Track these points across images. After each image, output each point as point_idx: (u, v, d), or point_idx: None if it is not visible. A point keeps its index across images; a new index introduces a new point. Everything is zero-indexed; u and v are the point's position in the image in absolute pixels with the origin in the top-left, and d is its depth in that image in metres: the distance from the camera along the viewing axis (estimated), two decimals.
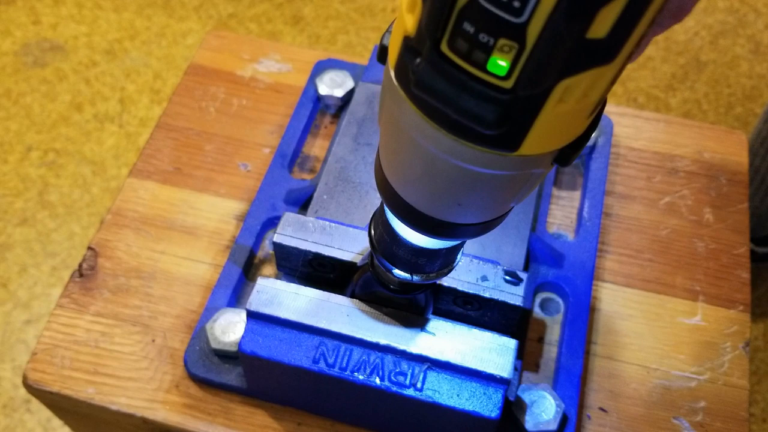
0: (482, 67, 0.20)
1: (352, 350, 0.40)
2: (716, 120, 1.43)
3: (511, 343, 0.39)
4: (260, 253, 0.51)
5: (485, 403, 0.38)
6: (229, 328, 0.45)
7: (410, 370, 0.39)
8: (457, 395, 0.38)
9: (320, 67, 0.59)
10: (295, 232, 0.45)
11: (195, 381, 0.46)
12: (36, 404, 1.09)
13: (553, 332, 0.48)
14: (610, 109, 0.60)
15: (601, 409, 0.46)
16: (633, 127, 0.60)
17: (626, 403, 0.46)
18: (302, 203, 0.52)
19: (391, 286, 0.39)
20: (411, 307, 0.41)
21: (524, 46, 0.19)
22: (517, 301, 0.42)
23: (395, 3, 1.62)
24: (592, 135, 0.25)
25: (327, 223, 0.45)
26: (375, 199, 0.49)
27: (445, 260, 0.35)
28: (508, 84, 0.20)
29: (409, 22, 0.22)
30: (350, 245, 0.44)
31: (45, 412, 1.08)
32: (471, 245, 0.46)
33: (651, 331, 0.49)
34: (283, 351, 0.40)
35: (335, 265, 0.45)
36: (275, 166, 0.54)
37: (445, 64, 0.21)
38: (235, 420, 0.45)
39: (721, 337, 0.49)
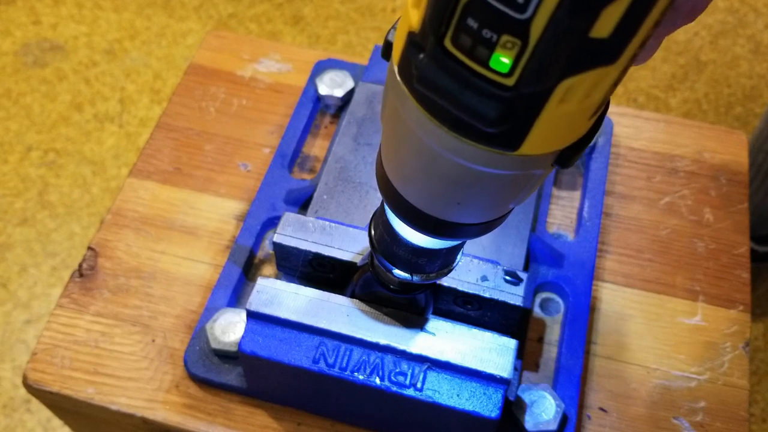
0: (485, 64, 0.20)
1: (352, 350, 0.40)
2: (716, 120, 1.43)
3: (511, 343, 0.39)
4: (260, 253, 0.51)
5: (485, 403, 0.38)
6: (229, 328, 0.45)
7: (410, 370, 0.39)
8: (457, 395, 0.38)
9: (320, 67, 0.59)
10: (295, 232, 0.45)
11: (195, 381, 0.46)
12: (36, 404, 1.09)
13: (553, 332, 0.48)
14: (610, 109, 0.60)
15: (601, 409, 0.46)
16: (633, 127, 0.60)
17: (626, 403, 0.46)
18: (302, 203, 0.52)
19: (391, 286, 0.39)
20: (411, 307, 0.41)
21: (527, 43, 0.19)
22: (517, 301, 0.42)
23: (395, 3, 1.62)
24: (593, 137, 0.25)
25: (327, 223, 0.45)
26: (375, 199, 0.49)
27: (445, 260, 0.35)
28: (510, 81, 0.20)
29: (414, 17, 0.22)
30: (350, 245, 0.44)
31: (45, 412, 1.08)
32: (471, 245, 0.46)
33: (651, 331, 0.49)
34: (283, 351, 0.40)
35: (335, 265, 0.45)
36: (275, 166, 0.54)
37: (448, 59, 0.21)
38: (235, 420, 0.45)
39: (721, 337, 0.49)
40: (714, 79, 1.50)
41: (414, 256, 0.34)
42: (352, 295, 0.41)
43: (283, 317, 0.40)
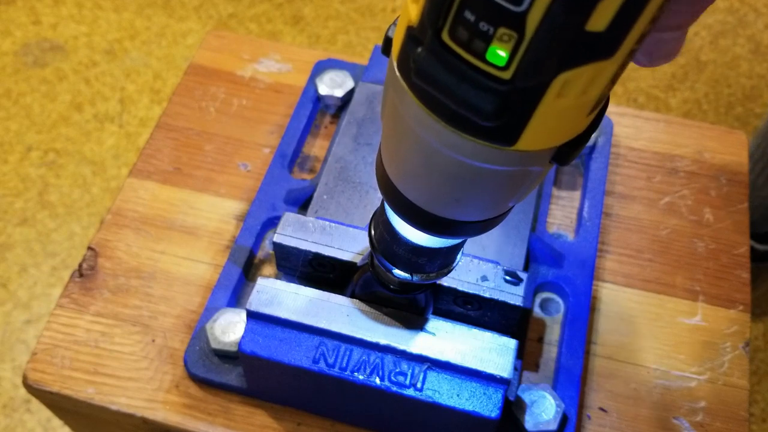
0: (481, 57, 0.20)
1: (352, 350, 0.40)
2: (716, 120, 1.43)
3: (511, 343, 0.39)
4: (260, 253, 0.51)
5: (485, 403, 0.38)
6: (229, 328, 0.45)
7: (410, 370, 0.39)
8: (457, 395, 0.38)
9: (320, 67, 0.59)
10: (295, 232, 0.45)
11: (195, 381, 0.46)
12: (36, 404, 1.09)
13: (553, 332, 0.48)
14: (610, 108, 0.60)
15: (601, 409, 0.46)
16: (633, 127, 0.60)
17: (626, 403, 0.46)
18: (302, 203, 0.52)
19: (391, 286, 0.39)
20: (411, 307, 0.41)
21: (523, 35, 0.19)
22: (517, 301, 0.42)
23: (395, 3, 1.62)
24: (592, 135, 0.25)
25: (327, 223, 0.45)
26: (375, 199, 0.49)
27: (445, 260, 0.35)
28: (506, 75, 0.20)
29: (412, 11, 0.22)
30: (350, 245, 0.44)
31: (45, 412, 1.08)
32: (471, 245, 0.46)
33: (651, 331, 0.49)
34: (283, 351, 0.40)
35: (335, 265, 0.45)
36: (275, 166, 0.54)
37: (446, 53, 0.21)
38: (235, 420, 0.45)
39: (721, 337, 0.49)
40: (714, 79, 1.50)
41: (414, 256, 0.34)
42: (352, 295, 0.41)
43: (283, 317, 0.40)
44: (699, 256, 0.53)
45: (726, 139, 0.59)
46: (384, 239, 0.34)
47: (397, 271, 0.35)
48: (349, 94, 0.57)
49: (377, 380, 0.39)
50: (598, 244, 0.51)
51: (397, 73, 0.24)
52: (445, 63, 0.21)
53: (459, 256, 0.36)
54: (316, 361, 0.39)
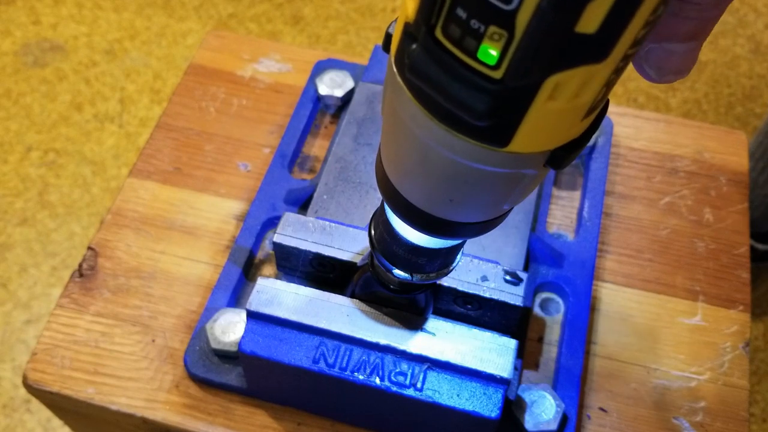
0: (473, 55, 0.20)
1: (352, 350, 0.40)
2: (716, 120, 1.43)
3: (511, 343, 0.39)
4: (260, 253, 0.51)
5: (485, 403, 0.38)
6: (229, 328, 0.45)
7: (410, 370, 0.39)
8: (457, 395, 0.38)
9: (320, 67, 0.59)
10: (295, 232, 0.45)
11: (195, 381, 0.46)
12: (36, 404, 1.09)
13: (553, 332, 0.48)
14: (610, 109, 0.60)
15: (601, 409, 0.46)
16: (633, 127, 0.60)
17: (626, 403, 0.46)
18: (302, 203, 0.52)
19: (391, 286, 0.39)
20: (411, 307, 0.41)
21: (513, 35, 0.19)
22: (517, 301, 0.42)
23: (395, 3, 1.62)
24: (588, 141, 0.25)
25: (327, 223, 0.45)
26: (375, 199, 0.49)
27: (445, 260, 0.35)
28: (497, 74, 0.20)
29: (410, 7, 0.22)
30: (350, 245, 0.44)
31: (45, 412, 1.08)
32: (471, 245, 0.46)
33: (651, 331, 0.49)
34: (283, 351, 0.40)
35: (335, 265, 0.45)
36: (275, 166, 0.54)
37: (438, 50, 0.21)
38: (235, 420, 0.45)
39: (721, 337, 0.49)
40: (714, 79, 1.50)
41: (414, 256, 0.34)
42: (352, 295, 0.41)
43: (283, 317, 0.40)
44: (699, 256, 0.53)
45: (726, 139, 0.59)
46: (384, 239, 0.34)
47: (397, 271, 0.35)
48: (349, 94, 0.57)
49: (377, 380, 0.39)
50: (598, 244, 0.51)
51: (394, 69, 0.24)
52: (437, 60, 0.21)
53: (459, 257, 0.36)
54: (316, 361, 0.39)
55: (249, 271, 0.50)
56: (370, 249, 0.37)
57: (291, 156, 0.55)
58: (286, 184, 0.53)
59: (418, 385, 0.39)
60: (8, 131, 1.38)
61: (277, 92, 0.61)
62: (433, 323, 0.40)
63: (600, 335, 0.49)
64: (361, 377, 0.39)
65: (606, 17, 0.19)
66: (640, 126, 0.60)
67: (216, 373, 0.45)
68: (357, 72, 0.59)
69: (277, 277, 0.46)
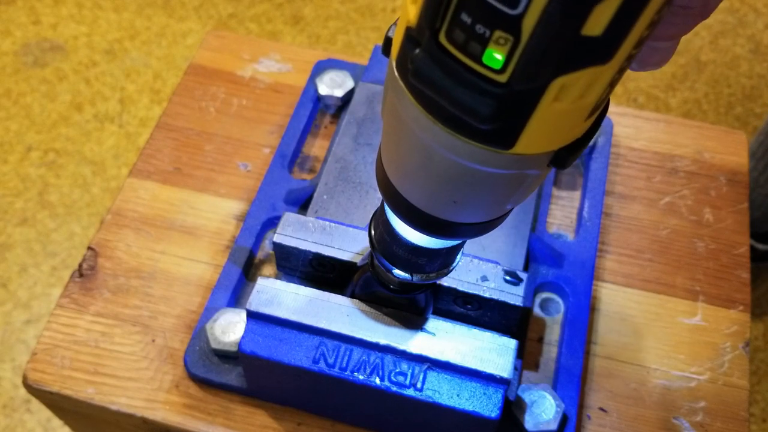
0: (478, 59, 0.20)
1: (352, 350, 0.40)
2: (716, 120, 1.43)
3: (511, 343, 0.39)
4: (260, 253, 0.51)
5: (485, 403, 0.38)
6: (229, 328, 0.45)
7: (410, 370, 0.39)
8: (457, 395, 0.38)
9: (320, 67, 0.59)
10: (295, 232, 0.45)
11: (195, 381, 0.46)
12: (36, 404, 1.09)
13: (553, 332, 0.48)
14: (610, 108, 0.60)
15: (601, 409, 0.46)
16: (633, 127, 0.60)
17: (626, 403, 0.46)
18: (302, 203, 0.52)
19: (391, 286, 0.39)
20: (411, 307, 0.41)
21: (519, 39, 0.19)
22: (517, 301, 0.42)
23: (395, 3, 1.62)
24: (591, 139, 0.25)
25: (327, 223, 0.45)
26: (375, 199, 0.49)
27: (445, 260, 0.35)
28: (503, 78, 0.20)
29: (411, 12, 0.22)
30: (350, 245, 0.44)
31: (45, 412, 1.08)
32: (471, 245, 0.46)
33: (651, 331, 0.49)
34: (283, 351, 0.40)
35: (335, 265, 0.45)
36: (275, 166, 0.54)
37: (443, 54, 0.21)
38: (235, 420, 0.45)
39: (721, 337, 0.49)
40: (714, 79, 1.50)
41: (414, 256, 0.34)
42: (352, 295, 0.41)
43: (283, 317, 0.40)
44: (699, 256, 0.53)
45: (726, 139, 0.59)
46: (384, 239, 0.34)
47: (396, 271, 0.35)
48: (349, 94, 0.57)
49: (377, 380, 0.39)
50: (598, 244, 0.51)
51: (396, 74, 0.24)
52: (441, 65, 0.21)
53: (459, 257, 0.36)
54: (316, 361, 0.39)
55: (249, 271, 0.50)
56: (370, 249, 0.37)
57: (291, 156, 0.55)
58: (286, 184, 0.53)
59: (418, 385, 0.39)
60: (8, 131, 1.38)
61: (277, 92, 0.61)
62: (433, 323, 0.40)
63: (600, 335, 0.49)
64: (361, 377, 0.39)
65: (612, 20, 0.19)
66: (640, 126, 0.60)
67: (216, 373, 0.45)
68: (357, 72, 0.59)
69: (277, 277, 0.46)
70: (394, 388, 0.39)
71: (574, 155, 0.24)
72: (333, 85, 0.57)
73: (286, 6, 1.59)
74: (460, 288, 0.43)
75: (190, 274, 0.50)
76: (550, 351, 0.48)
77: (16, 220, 1.27)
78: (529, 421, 0.42)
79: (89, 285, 0.50)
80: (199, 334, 0.46)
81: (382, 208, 0.33)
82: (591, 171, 0.55)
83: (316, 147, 0.57)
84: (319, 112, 0.59)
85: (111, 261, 0.51)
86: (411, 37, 0.22)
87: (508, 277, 0.43)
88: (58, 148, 1.36)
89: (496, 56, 0.20)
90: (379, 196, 0.31)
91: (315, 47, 1.53)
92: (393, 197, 0.29)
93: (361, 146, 0.51)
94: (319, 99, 0.58)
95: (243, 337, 0.40)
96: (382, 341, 0.39)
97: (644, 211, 0.55)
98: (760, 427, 1.11)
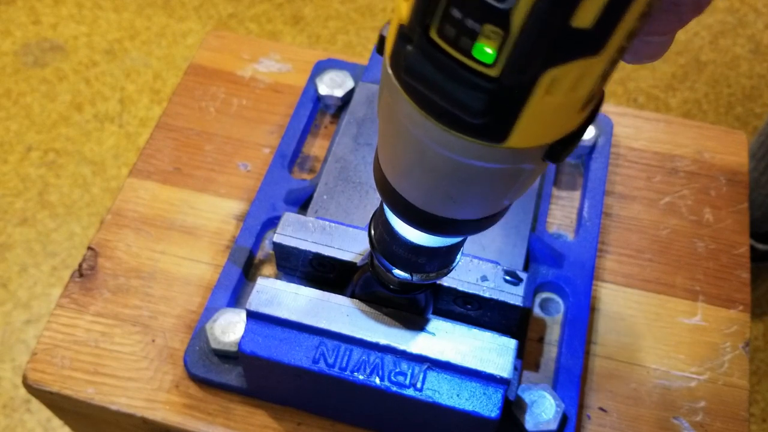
0: (469, 54, 0.20)
1: (352, 350, 0.40)
2: (716, 120, 1.43)
3: (511, 343, 0.39)
4: (260, 253, 0.51)
5: (485, 403, 0.38)
6: (229, 328, 0.45)
7: (410, 370, 0.39)
8: (457, 395, 0.38)
9: (320, 67, 0.59)
10: (295, 232, 0.45)
11: (195, 381, 0.46)
12: (36, 404, 1.09)
13: (553, 332, 0.48)
14: (610, 109, 0.60)
15: (601, 409, 0.46)
16: (633, 127, 0.60)
17: (626, 403, 0.46)
18: (302, 203, 0.52)
19: (391, 286, 0.39)
20: (411, 307, 0.41)
21: (509, 32, 0.19)
22: (517, 301, 0.42)
23: (395, 3, 1.62)
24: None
25: (327, 223, 0.45)
26: (375, 199, 0.49)
27: (445, 260, 0.35)
28: (494, 72, 0.20)
29: (403, 9, 0.22)
30: (350, 245, 0.44)
31: (45, 412, 1.08)
32: (471, 245, 0.46)
33: (651, 331, 0.49)
34: (283, 351, 0.40)
35: (335, 265, 0.45)
36: (275, 166, 0.54)
37: (434, 50, 0.21)
38: (235, 420, 0.45)
39: (721, 337, 0.49)
40: (714, 79, 1.50)
41: (413, 256, 0.34)
42: (352, 295, 0.41)
43: (283, 317, 0.40)
44: (699, 256, 0.53)
45: (726, 139, 0.59)
46: (384, 239, 0.34)
47: (396, 271, 0.35)
48: (349, 94, 0.57)
49: (377, 380, 0.39)
50: (598, 244, 0.51)
51: (390, 71, 0.24)
52: (433, 60, 0.21)
53: (459, 256, 0.36)
54: (316, 361, 0.39)
55: (249, 271, 0.50)
56: (370, 249, 0.37)
57: (291, 156, 0.55)
58: (286, 184, 0.53)
59: (418, 385, 0.39)
60: (8, 131, 1.38)
61: (277, 92, 0.61)
62: (433, 323, 0.40)
63: (600, 335, 0.49)
64: (361, 377, 0.39)
65: (601, 11, 0.19)
66: (640, 126, 0.60)
67: (216, 373, 0.45)
68: (357, 72, 0.59)
69: (277, 277, 0.46)
70: (394, 388, 0.39)
71: (568, 149, 0.24)
72: (333, 85, 0.57)
73: (286, 6, 1.59)
74: (460, 288, 0.43)
75: (190, 274, 0.50)
76: (550, 351, 0.48)
77: (16, 220, 1.27)
78: (529, 421, 0.42)
79: (89, 285, 0.50)
80: (199, 334, 0.46)
81: (381, 207, 0.33)
82: (591, 171, 0.55)
83: (316, 147, 0.57)
84: (319, 112, 0.59)
85: (111, 261, 0.51)
86: (403, 34, 0.22)
87: (508, 277, 0.43)
88: (58, 148, 1.36)
89: (486, 50, 0.20)
90: (379, 196, 0.31)
91: (315, 47, 1.53)
92: (391, 196, 0.29)
93: (361, 146, 0.51)
94: (319, 99, 0.58)
95: (243, 337, 0.40)
96: (382, 341, 0.39)
97: (644, 211, 0.55)
98: (760, 427, 1.11)
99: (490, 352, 0.39)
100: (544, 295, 0.50)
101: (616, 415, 0.46)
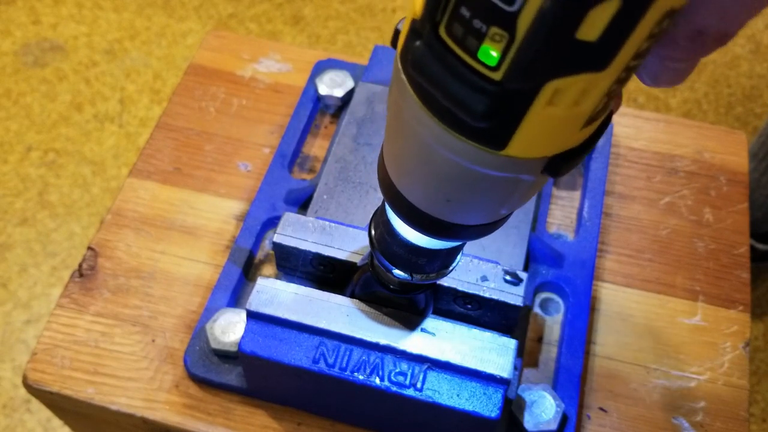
0: (474, 55, 0.20)
1: (352, 350, 0.40)
2: (716, 120, 1.43)
3: (511, 343, 0.39)
4: (260, 253, 0.51)
5: (485, 403, 0.38)
6: (229, 328, 0.45)
7: (410, 370, 0.39)
8: (457, 395, 0.38)
9: (320, 67, 0.59)
10: (295, 232, 0.45)
11: (195, 381, 0.46)
12: (36, 404, 1.09)
13: (553, 332, 0.48)
14: None
15: (601, 409, 0.46)
16: (633, 127, 0.60)
17: (626, 403, 0.46)
18: (302, 203, 0.52)
19: (391, 286, 0.39)
20: (411, 307, 0.41)
21: (514, 37, 0.19)
22: (517, 301, 0.42)
23: (395, 3, 1.62)
24: (588, 151, 0.25)
25: (327, 223, 0.45)
26: (375, 199, 0.49)
27: (445, 261, 0.35)
28: (497, 76, 0.20)
29: (417, 4, 0.22)
30: (350, 245, 0.44)
31: (45, 412, 1.08)
32: (471, 245, 0.46)
33: (651, 331, 0.49)
34: (283, 351, 0.40)
35: (335, 265, 0.45)
36: (275, 166, 0.54)
37: (441, 48, 0.21)
38: (235, 420, 0.45)
39: (721, 337, 0.49)
40: (714, 79, 1.50)
41: (414, 256, 0.34)
42: (352, 295, 0.41)
43: (283, 317, 0.40)
44: (699, 256, 0.53)
45: (726, 139, 0.59)
46: (384, 239, 0.34)
47: (396, 272, 0.35)
48: (349, 94, 0.57)
49: (377, 380, 0.39)
50: (598, 244, 0.51)
51: (399, 65, 0.24)
52: (439, 58, 0.21)
53: (459, 257, 0.36)
54: (316, 361, 0.39)
55: (249, 271, 0.50)
56: (370, 249, 0.37)
57: (291, 156, 0.55)
58: (286, 184, 0.53)
59: (418, 385, 0.39)
60: (8, 131, 1.38)
61: (277, 92, 0.61)
62: (433, 323, 0.40)
63: (600, 335, 0.49)
64: (361, 377, 0.39)
65: (607, 26, 0.19)
66: (640, 126, 0.60)
67: (216, 373, 0.45)
68: (357, 72, 0.59)
69: (277, 277, 0.46)
70: (394, 388, 0.39)
71: (568, 165, 0.24)
72: (333, 85, 0.57)
73: (286, 6, 1.59)
74: (460, 288, 0.43)
75: (190, 274, 0.50)
76: (550, 351, 0.48)
77: (16, 220, 1.27)
78: (529, 421, 0.42)
79: (89, 285, 0.50)
80: (199, 334, 0.46)
81: (382, 207, 0.33)
82: (591, 171, 0.55)
83: (316, 147, 0.57)
84: (319, 112, 0.59)
85: (111, 261, 0.51)
86: (414, 29, 0.22)
87: (508, 277, 0.43)
88: (58, 148, 1.36)
89: (491, 53, 0.20)
90: (380, 195, 0.31)
91: (315, 47, 1.53)
92: (392, 195, 0.29)
93: (361, 146, 0.51)
94: (319, 99, 0.58)
95: (243, 337, 0.40)
96: (382, 341, 0.39)
97: (644, 211, 0.55)
98: (760, 427, 1.11)
99: (490, 352, 0.39)
100: (544, 295, 0.50)
101: (616, 415, 0.46)
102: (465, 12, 0.20)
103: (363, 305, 0.41)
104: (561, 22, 0.19)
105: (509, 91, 0.20)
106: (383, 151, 0.29)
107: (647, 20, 0.19)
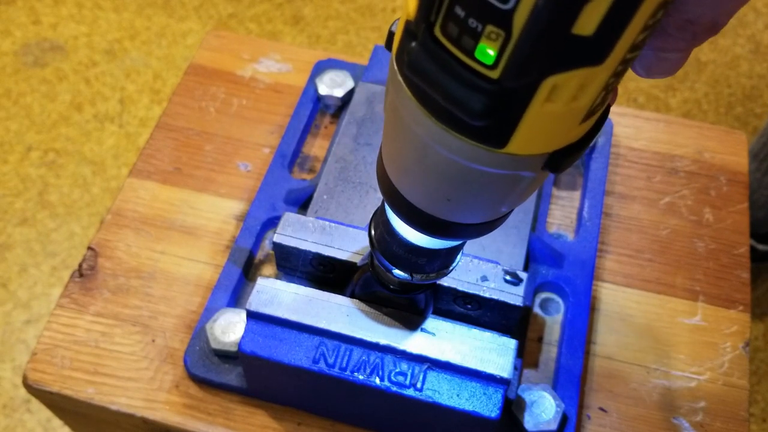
0: (470, 54, 0.20)
1: (352, 350, 0.40)
2: (716, 120, 1.43)
3: (511, 343, 0.39)
4: (260, 253, 0.51)
5: (485, 403, 0.38)
6: (229, 328, 0.45)
7: (410, 370, 0.39)
8: (457, 395, 0.38)
9: (320, 67, 0.59)
10: (295, 232, 0.45)
11: (195, 381, 0.46)
12: (36, 404, 1.09)
13: (553, 332, 0.48)
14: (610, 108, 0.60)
15: (601, 409, 0.46)
16: (633, 127, 0.60)
17: (626, 403, 0.46)
18: (302, 203, 0.52)
19: (391, 286, 0.39)
20: (411, 307, 0.41)
21: (510, 34, 0.19)
22: (517, 301, 0.42)
23: (395, 3, 1.62)
24: (587, 145, 0.25)
25: (327, 223, 0.45)
26: (375, 199, 0.49)
27: (445, 261, 0.35)
28: (494, 74, 0.20)
29: (411, 5, 0.22)
30: (350, 245, 0.44)
31: (45, 412, 1.08)
32: (471, 245, 0.46)
33: (651, 331, 0.49)
34: (283, 351, 0.40)
35: (335, 265, 0.45)
36: (275, 166, 0.54)
37: (437, 48, 0.21)
38: (235, 420, 0.45)
39: (721, 337, 0.49)
40: (714, 79, 1.50)
41: (414, 256, 0.34)
42: (352, 295, 0.41)
43: (283, 317, 0.40)
44: (699, 256, 0.53)
45: (726, 139, 0.59)
46: (384, 239, 0.34)
47: (396, 271, 0.35)
48: (349, 94, 0.57)
49: (377, 380, 0.39)
50: (598, 244, 0.51)
51: (395, 67, 0.24)
52: (435, 58, 0.21)
53: (459, 257, 0.36)
54: (316, 361, 0.39)
55: (249, 271, 0.50)
56: (370, 249, 0.37)
57: (291, 156, 0.55)
58: (286, 184, 0.53)
59: (418, 385, 0.39)
60: (8, 131, 1.38)
61: (277, 92, 0.61)
62: (433, 323, 0.40)
63: (600, 335, 0.49)
64: (361, 377, 0.39)
65: (603, 20, 0.19)
66: (640, 126, 0.60)
67: (216, 373, 0.45)
68: (357, 72, 0.59)
69: (277, 277, 0.46)
70: (394, 388, 0.39)
71: (568, 160, 0.24)
72: (333, 85, 0.57)
73: (286, 6, 1.59)
74: (460, 288, 0.43)
75: (190, 274, 0.50)
76: (550, 351, 0.48)
77: (16, 220, 1.27)
78: (529, 421, 0.42)
79: (89, 285, 0.50)
80: (199, 334, 0.46)
81: (382, 207, 0.33)
82: (591, 171, 0.55)
83: (316, 147, 0.57)
84: (319, 112, 0.59)
85: (111, 261, 0.51)
86: (409, 30, 0.22)
87: (508, 277, 0.43)
88: (58, 148, 1.36)
89: (488, 51, 0.20)
90: (379, 196, 0.31)
91: (315, 47, 1.53)
92: (392, 195, 0.29)
93: (361, 146, 0.51)
94: (319, 99, 0.58)
95: (243, 337, 0.40)
96: (382, 341, 0.39)
97: (644, 211, 0.55)
98: (760, 427, 1.11)
99: (490, 352, 0.39)
100: (544, 295, 0.50)
101: (616, 415, 0.46)
102: (460, 11, 0.20)
103: (363, 305, 0.41)
104: (557, 18, 0.18)
105: (507, 88, 0.20)
106: (382, 152, 0.29)
107: (642, 12, 0.19)
